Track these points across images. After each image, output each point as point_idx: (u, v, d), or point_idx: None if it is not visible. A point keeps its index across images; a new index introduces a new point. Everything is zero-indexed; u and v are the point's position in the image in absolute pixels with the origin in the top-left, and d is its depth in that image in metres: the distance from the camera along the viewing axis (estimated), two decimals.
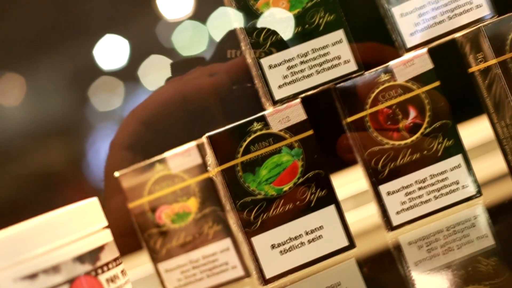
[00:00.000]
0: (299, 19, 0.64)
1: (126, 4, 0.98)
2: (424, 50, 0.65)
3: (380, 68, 0.64)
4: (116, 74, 0.96)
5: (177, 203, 0.69)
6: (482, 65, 0.63)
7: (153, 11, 0.95)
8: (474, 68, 0.64)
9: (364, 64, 0.64)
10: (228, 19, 0.64)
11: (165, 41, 0.97)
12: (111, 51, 0.71)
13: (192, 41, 0.65)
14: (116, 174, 0.70)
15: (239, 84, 0.76)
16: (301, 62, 0.64)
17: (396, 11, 0.65)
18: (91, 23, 1.01)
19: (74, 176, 0.98)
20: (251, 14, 0.64)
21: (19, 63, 0.96)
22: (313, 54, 0.64)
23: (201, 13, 0.91)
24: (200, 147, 0.68)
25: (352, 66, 0.64)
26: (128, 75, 0.99)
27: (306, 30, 0.64)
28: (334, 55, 0.64)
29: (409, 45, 0.65)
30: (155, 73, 0.94)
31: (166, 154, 0.69)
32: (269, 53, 0.64)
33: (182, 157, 0.69)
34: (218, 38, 0.66)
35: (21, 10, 0.96)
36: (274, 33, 0.64)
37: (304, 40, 0.64)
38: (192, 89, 0.78)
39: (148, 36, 1.00)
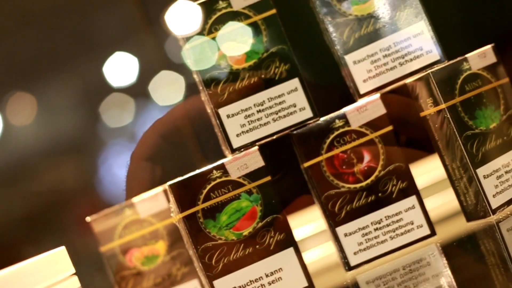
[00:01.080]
0: (255, 70, 0.66)
1: (135, 22, 1.01)
2: (377, 96, 0.67)
3: (334, 114, 0.67)
4: (127, 90, 0.98)
5: (146, 246, 0.72)
6: (432, 110, 0.66)
7: (162, 27, 0.97)
8: (425, 112, 0.67)
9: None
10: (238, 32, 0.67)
11: (174, 57, 0.98)
12: (121, 68, 0.74)
13: (202, 56, 0.66)
14: (88, 219, 0.72)
15: None
16: (258, 111, 0.66)
17: (349, 58, 0.67)
18: (100, 41, 1.04)
19: (87, 192, 1.00)
20: (208, 65, 0.66)
21: (30, 83, 0.98)
22: (269, 103, 0.66)
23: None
24: (167, 192, 0.71)
25: (308, 113, 0.67)
26: (138, 91, 1.01)
27: (262, 80, 0.66)
28: (290, 103, 0.67)
29: (362, 91, 0.67)
30: (165, 88, 0.97)
31: (135, 200, 0.72)
32: (227, 103, 0.66)
33: (149, 202, 0.71)
34: (228, 53, 0.69)
35: (30, 30, 0.99)
36: (231, 84, 0.66)
37: (260, 89, 0.66)
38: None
39: (157, 53, 1.02)
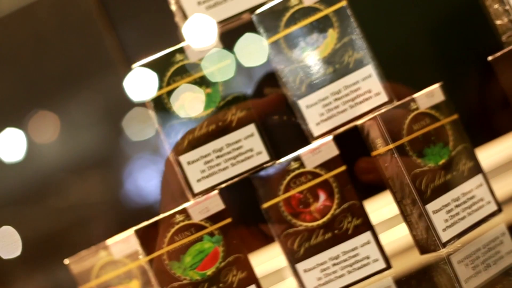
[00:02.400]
0: (213, 118, 0.70)
1: (153, 36, 1.03)
2: (330, 138, 0.70)
3: (290, 157, 0.70)
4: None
5: (121, 285, 0.75)
6: (382, 149, 0.69)
7: (179, 40, 1.01)
8: (375, 152, 0.70)
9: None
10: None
11: (193, 69, 1.02)
12: (141, 82, 0.76)
13: (220, 68, 0.70)
14: (66, 261, 0.76)
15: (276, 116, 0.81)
16: (217, 157, 0.70)
17: (302, 103, 0.71)
18: (120, 56, 1.07)
19: (112, 206, 1.03)
20: (168, 116, 0.70)
21: (51, 101, 1.01)
22: (227, 149, 0.70)
23: (227, 41, 0.95)
24: None
25: (265, 157, 0.70)
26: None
27: (220, 127, 0.70)
28: (247, 148, 0.70)
29: (316, 134, 0.70)
30: (186, 101, 0.99)
31: (108, 242, 0.75)
32: (187, 150, 0.70)
33: (122, 244, 0.75)
34: (246, 64, 0.72)
35: (50, 47, 1.02)
36: (190, 132, 0.70)
37: (218, 136, 0.70)
38: None
39: None
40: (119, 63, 1.03)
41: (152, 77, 0.69)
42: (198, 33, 0.71)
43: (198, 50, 0.70)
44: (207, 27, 0.71)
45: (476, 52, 0.80)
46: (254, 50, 0.71)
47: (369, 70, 0.71)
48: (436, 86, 0.71)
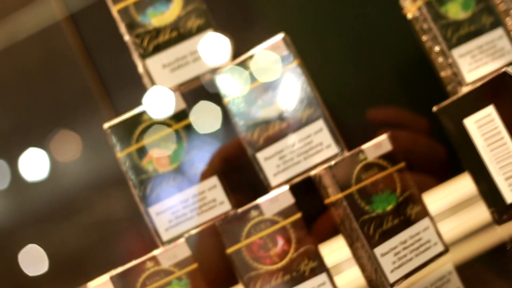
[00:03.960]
0: (179, 171, 0.76)
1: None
2: (286, 187, 0.76)
3: (250, 205, 0.76)
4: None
5: None
6: (333, 198, 0.74)
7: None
8: (327, 200, 0.76)
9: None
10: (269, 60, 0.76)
11: (209, 87, 1.06)
12: (159, 101, 0.81)
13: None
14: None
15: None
16: (183, 207, 0.76)
17: (260, 156, 0.77)
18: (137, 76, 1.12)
19: (137, 223, 1.06)
20: (138, 170, 0.76)
21: (72, 120, 1.06)
22: (192, 199, 0.76)
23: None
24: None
25: (227, 206, 0.76)
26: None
27: (187, 179, 0.76)
28: (210, 198, 0.76)
29: (273, 184, 0.76)
30: (206, 117, 1.04)
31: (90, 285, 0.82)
32: (155, 202, 0.76)
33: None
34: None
35: (68, 67, 1.07)
36: (158, 185, 0.76)
37: (184, 188, 0.76)
38: None
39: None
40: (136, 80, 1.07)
41: (121, 136, 0.76)
42: (164, 93, 0.77)
43: (164, 110, 0.77)
44: (171, 89, 0.78)
45: (423, 102, 0.86)
46: (209, 116, 0.78)
47: (320, 124, 0.77)
48: (384, 136, 0.77)
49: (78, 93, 1.08)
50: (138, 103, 0.79)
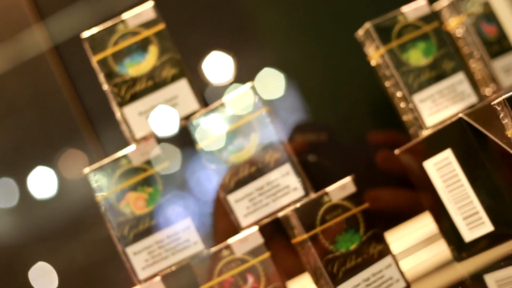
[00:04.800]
0: (155, 213, 0.81)
1: None
2: (255, 228, 0.80)
3: (221, 245, 0.80)
4: (172, 140, 1.07)
5: None
6: (299, 238, 0.79)
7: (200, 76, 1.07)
8: (294, 240, 0.80)
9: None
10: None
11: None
12: (163, 119, 0.83)
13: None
14: None
15: None
16: (159, 247, 0.80)
17: (231, 198, 0.81)
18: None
19: None
20: (116, 213, 0.81)
21: (78, 140, 1.09)
22: (167, 240, 0.80)
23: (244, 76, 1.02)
24: None
25: (199, 246, 0.80)
26: (182, 140, 1.10)
27: (162, 221, 0.81)
28: (184, 239, 0.81)
29: (244, 225, 0.81)
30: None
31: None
32: (133, 242, 0.81)
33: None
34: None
35: (53, 99, 1.09)
36: (135, 226, 0.81)
37: (159, 229, 0.81)
38: None
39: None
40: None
41: (101, 180, 0.81)
42: (141, 140, 0.82)
43: (140, 155, 0.81)
44: (147, 136, 0.82)
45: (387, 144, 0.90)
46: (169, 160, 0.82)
47: (287, 168, 0.81)
48: (348, 179, 0.81)
49: (63, 121, 1.11)
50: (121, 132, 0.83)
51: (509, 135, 0.73)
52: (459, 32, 0.92)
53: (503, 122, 0.72)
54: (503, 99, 0.71)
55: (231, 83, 1.00)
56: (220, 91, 1.02)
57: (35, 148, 1.10)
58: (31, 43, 1.11)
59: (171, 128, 0.83)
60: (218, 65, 0.83)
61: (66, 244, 1.08)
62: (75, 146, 1.09)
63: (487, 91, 0.92)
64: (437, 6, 0.93)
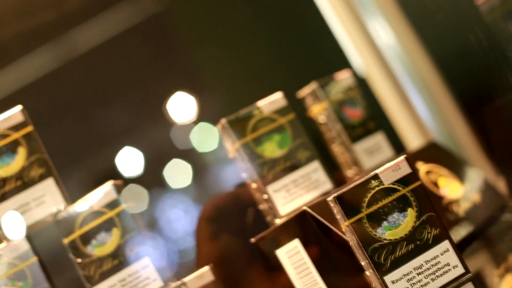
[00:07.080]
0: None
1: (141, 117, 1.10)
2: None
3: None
4: (138, 180, 1.09)
5: None
6: None
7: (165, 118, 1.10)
8: None
9: None
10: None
11: (180, 144, 1.08)
12: (129, 160, 0.87)
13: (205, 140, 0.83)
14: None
15: None
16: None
17: None
18: (111, 136, 1.13)
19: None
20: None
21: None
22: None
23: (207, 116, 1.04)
24: None
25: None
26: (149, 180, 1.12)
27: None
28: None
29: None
30: (178, 175, 1.07)
31: None
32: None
33: None
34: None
35: (49, 127, 1.12)
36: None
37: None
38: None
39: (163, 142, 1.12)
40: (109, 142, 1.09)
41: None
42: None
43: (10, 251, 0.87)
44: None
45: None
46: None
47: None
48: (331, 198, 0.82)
49: None
50: None
51: (343, 229, 0.77)
52: (322, 118, 0.98)
53: (337, 217, 0.76)
54: (333, 197, 0.76)
55: None
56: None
57: None
58: None
59: (41, 224, 0.88)
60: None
61: None
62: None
63: (350, 173, 0.97)
64: (302, 93, 0.99)
